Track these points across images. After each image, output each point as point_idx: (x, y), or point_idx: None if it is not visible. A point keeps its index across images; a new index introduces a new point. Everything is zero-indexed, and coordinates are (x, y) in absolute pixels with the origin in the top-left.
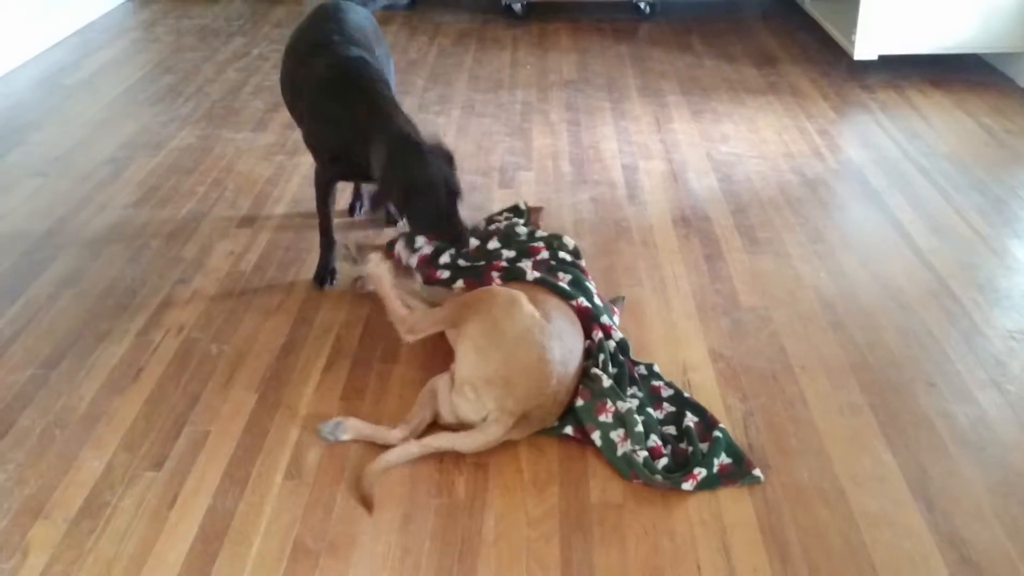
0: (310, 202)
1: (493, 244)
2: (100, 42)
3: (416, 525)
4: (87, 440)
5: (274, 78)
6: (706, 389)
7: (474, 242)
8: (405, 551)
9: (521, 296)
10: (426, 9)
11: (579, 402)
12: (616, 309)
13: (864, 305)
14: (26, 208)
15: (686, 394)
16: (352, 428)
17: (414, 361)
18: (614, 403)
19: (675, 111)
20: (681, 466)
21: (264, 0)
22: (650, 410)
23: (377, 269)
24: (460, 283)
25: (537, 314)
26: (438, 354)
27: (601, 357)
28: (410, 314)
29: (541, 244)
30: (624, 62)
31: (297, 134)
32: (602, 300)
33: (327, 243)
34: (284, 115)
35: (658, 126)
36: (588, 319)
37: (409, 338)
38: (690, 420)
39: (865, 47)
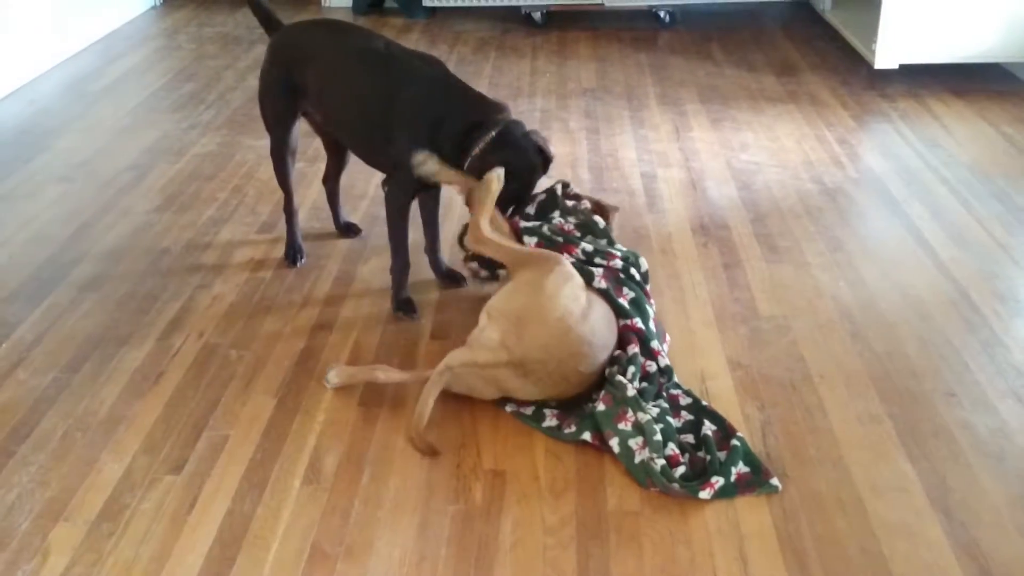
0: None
1: (571, 227)
2: (123, 49)
3: (433, 531)
4: (108, 443)
5: None
6: (724, 398)
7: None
8: (422, 557)
9: (578, 277)
10: (446, 18)
11: (600, 407)
12: (667, 337)
13: (884, 315)
14: (50, 213)
15: (704, 402)
16: (340, 373)
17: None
18: (635, 413)
19: (694, 119)
20: (699, 474)
21: (286, 7)
22: (670, 419)
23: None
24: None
25: (582, 296)
26: None
27: (631, 370)
28: (488, 230)
29: (618, 254)
30: (643, 70)
31: (317, 141)
32: (656, 326)
33: (403, 266)
34: (303, 122)
35: (677, 134)
36: (640, 341)
37: (474, 246)
38: (708, 428)
39: (885, 56)
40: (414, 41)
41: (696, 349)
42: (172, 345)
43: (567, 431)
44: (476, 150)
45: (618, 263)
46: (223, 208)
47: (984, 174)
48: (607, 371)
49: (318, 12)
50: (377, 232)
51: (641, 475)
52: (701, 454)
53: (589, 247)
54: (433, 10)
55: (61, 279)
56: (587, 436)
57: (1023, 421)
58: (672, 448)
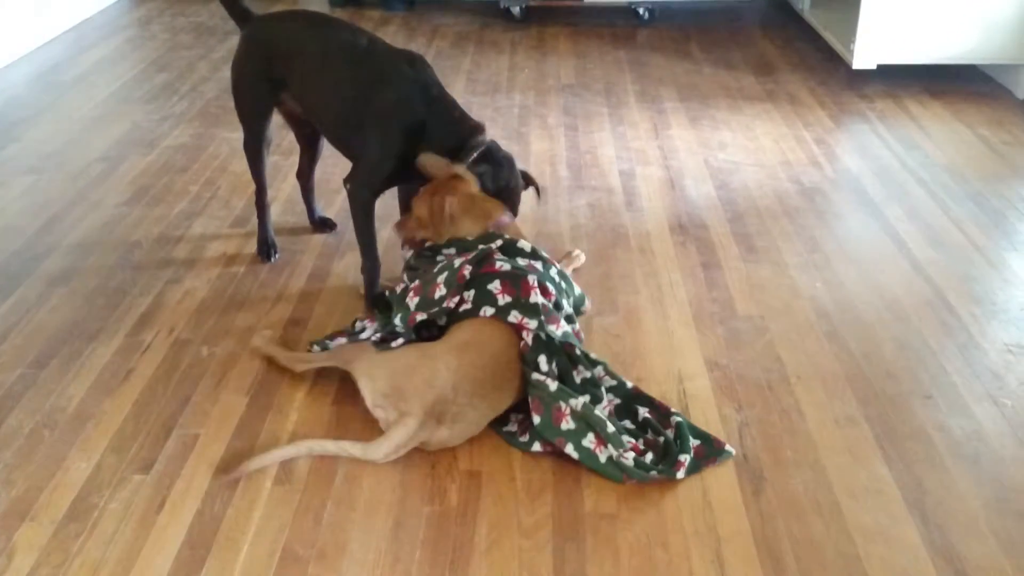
0: (304, 203)
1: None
2: (95, 39)
3: (407, 533)
4: (75, 441)
5: None
6: (702, 398)
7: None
8: (395, 559)
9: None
10: (424, 11)
11: (536, 419)
12: (587, 303)
13: (861, 316)
14: (18, 205)
15: (628, 384)
16: (265, 346)
17: None
18: (567, 403)
19: (673, 117)
20: (662, 456)
21: None
22: (600, 410)
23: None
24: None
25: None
26: None
27: (542, 359)
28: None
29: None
30: (622, 67)
31: (292, 133)
32: (560, 290)
33: (373, 265)
34: (278, 115)
35: (656, 132)
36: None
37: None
38: (643, 412)
39: (864, 56)
40: (392, 34)
41: (674, 349)
42: (142, 341)
43: (521, 439)
44: (464, 164)
45: (479, 249)
46: (195, 201)
47: (960, 176)
48: (524, 372)
49: (294, 4)
50: (352, 227)
51: (615, 472)
52: (651, 436)
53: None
54: (412, 3)
55: (29, 273)
56: (537, 446)
57: (999, 424)
58: (628, 439)
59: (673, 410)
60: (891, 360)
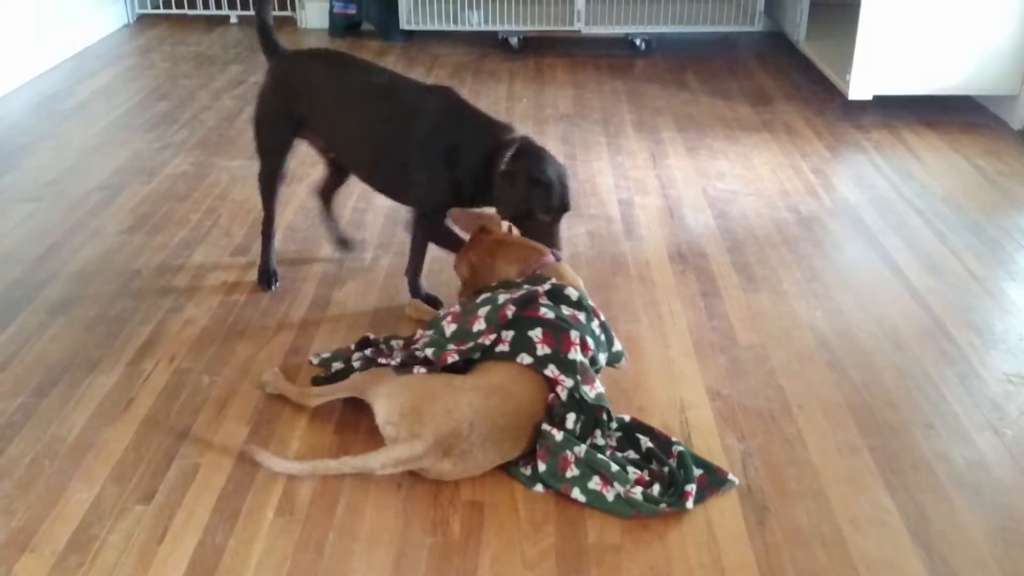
0: (305, 230)
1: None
2: (95, 68)
3: (409, 564)
4: (76, 471)
5: None
6: (704, 428)
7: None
8: None
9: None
10: (423, 41)
11: (541, 467)
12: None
13: (861, 345)
14: (18, 233)
15: (627, 418)
16: (275, 382)
17: None
18: (571, 451)
19: (671, 147)
20: (668, 488)
21: None
22: (601, 452)
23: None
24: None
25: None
26: None
27: (570, 417)
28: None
29: (526, 286)
30: (620, 97)
31: (292, 162)
32: (595, 345)
33: (416, 268)
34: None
35: (654, 161)
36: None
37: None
38: (645, 441)
39: (860, 87)
40: (391, 64)
41: (675, 378)
42: (143, 370)
43: (523, 471)
44: (502, 166)
45: (526, 290)
46: (196, 230)
47: (957, 206)
48: (542, 425)
49: (293, 33)
50: (353, 255)
51: (623, 509)
52: (655, 467)
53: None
54: (410, 33)
55: (29, 301)
56: (539, 487)
57: (1000, 454)
58: (633, 471)
59: (674, 439)
60: (892, 389)
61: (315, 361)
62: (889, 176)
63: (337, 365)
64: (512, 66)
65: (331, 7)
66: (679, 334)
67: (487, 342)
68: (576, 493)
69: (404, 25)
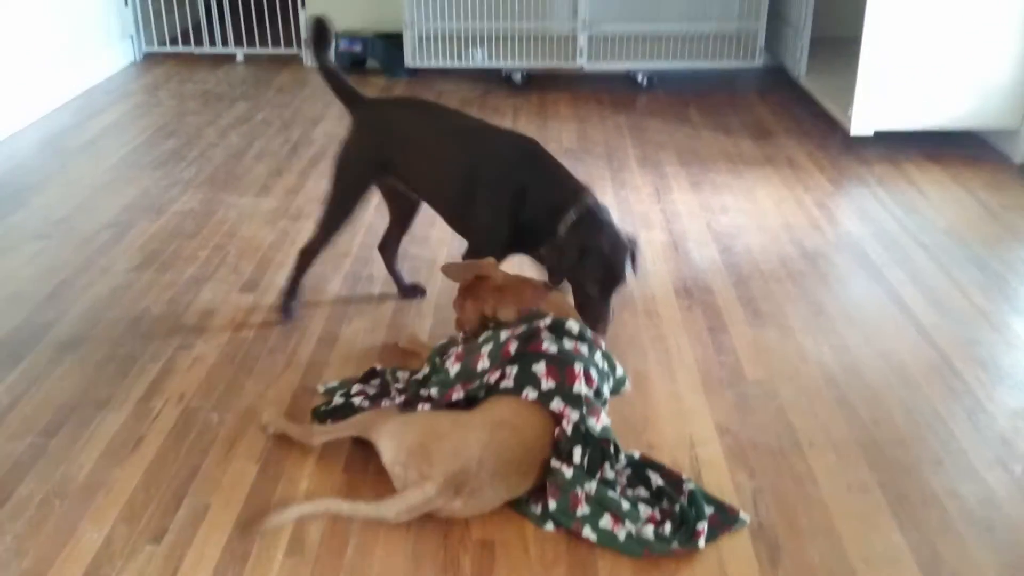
0: (313, 267)
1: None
2: (103, 105)
3: None
4: (86, 511)
5: (277, 143)
6: (715, 465)
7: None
8: None
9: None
10: (427, 78)
11: (552, 504)
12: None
13: (868, 381)
14: (27, 271)
15: (636, 455)
16: (276, 422)
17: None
18: (582, 488)
19: (674, 181)
20: (679, 526)
21: (267, 66)
22: (611, 490)
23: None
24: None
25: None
26: None
27: (577, 451)
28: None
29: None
30: (623, 132)
31: (300, 199)
32: (599, 374)
33: None
34: (287, 180)
35: (658, 196)
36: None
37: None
38: (655, 479)
39: (861, 123)
40: None
41: (684, 414)
42: (152, 408)
43: (533, 509)
44: (560, 231)
45: (526, 326)
46: (204, 266)
47: (961, 239)
48: (551, 462)
49: (300, 71)
50: (360, 293)
51: (635, 548)
52: (666, 505)
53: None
54: (415, 70)
55: (38, 339)
56: (550, 526)
57: (1010, 490)
58: (645, 509)
59: (685, 477)
60: (900, 426)
61: (321, 389)
62: (892, 210)
63: (338, 400)
64: (516, 102)
65: (336, 45)
66: (687, 369)
67: (492, 380)
68: (587, 531)
69: (409, 63)
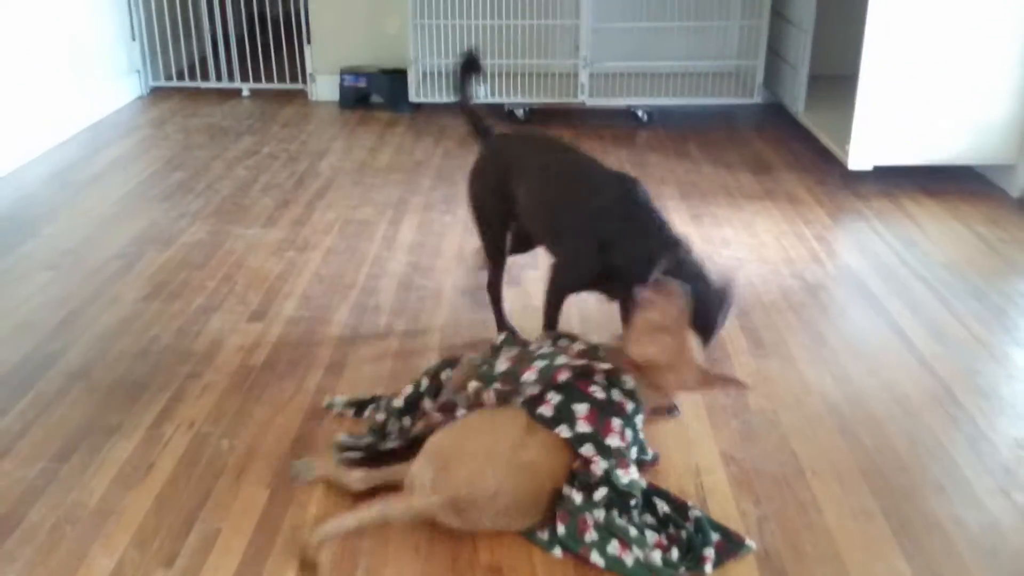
0: (320, 298)
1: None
2: (110, 139)
3: None
4: (97, 537)
5: (283, 175)
6: (720, 492)
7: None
8: None
9: (515, 414)
10: (431, 113)
11: (560, 529)
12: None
13: (870, 410)
14: (36, 301)
15: (643, 483)
16: (318, 468)
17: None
18: (591, 515)
19: (675, 215)
20: (686, 552)
21: (273, 101)
22: (616, 513)
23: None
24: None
25: (516, 430)
26: None
27: (599, 492)
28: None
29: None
30: (624, 167)
31: (307, 230)
32: (622, 437)
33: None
34: (293, 212)
35: None
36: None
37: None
38: (662, 505)
39: (859, 158)
40: (400, 135)
41: (690, 443)
42: (162, 435)
43: (540, 535)
44: (653, 278)
45: (586, 362)
46: (213, 296)
47: (960, 273)
48: (563, 489)
49: (304, 106)
50: (367, 321)
51: (643, 573)
52: (672, 531)
53: (543, 358)
54: (418, 105)
55: (48, 367)
56: (558, 551)
57: (1013, 518)
58: (653, 535)
59: (691, 504)
60: (903, 454)
61: (327, 403)
62: (891, 243)
63: (367, 439)
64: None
65: (341, 80)
66: (691, 399)
67: (530, 395)
68: (595, 557)
69: (413, 98)
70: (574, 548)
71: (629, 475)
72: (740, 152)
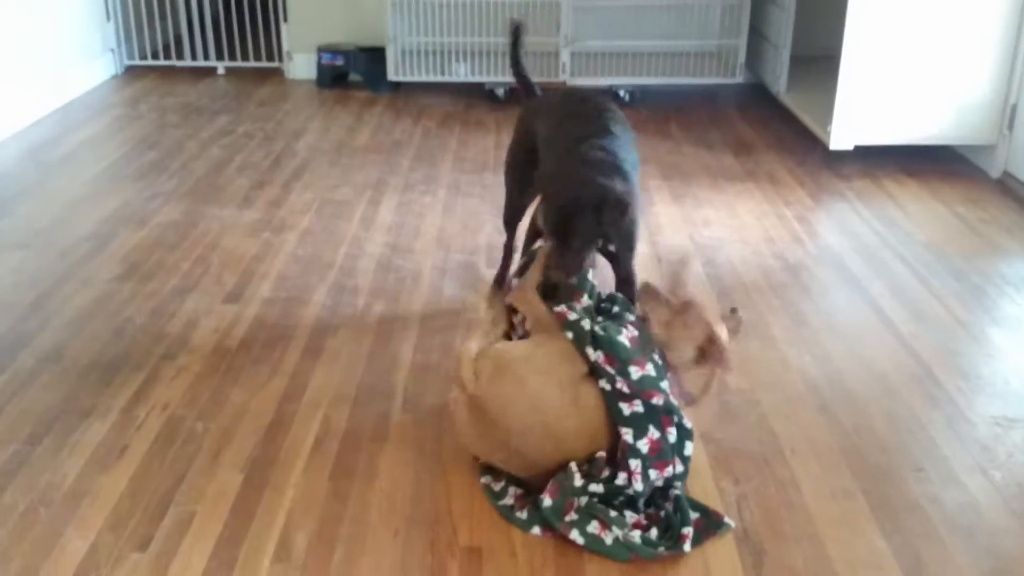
0: (296, 279)
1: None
2: (84, 118)
3: None
4: (71, 519)
5: (259, 155)
6: (699, 471)
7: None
8: None
9: (578, 364)
10: (410, 92)
11: (546, 501)
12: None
13: (850, 389)
14: (8, 281)
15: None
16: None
17: (404, 440)
18: (578, 499)
19: (657, 195)
20: (665, 531)
21: (249, 79)
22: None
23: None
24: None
25: (570, 383)
26: (429, 435)
27: (599, 484)
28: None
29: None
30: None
31: (283, 211)
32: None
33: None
34: (269, 192)
35: (641, 209)
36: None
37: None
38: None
39: (841, 137)
40: (379, 115)
41: None
42: (136, 417)
43: (519, 515)
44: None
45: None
46: (187, 278)
47: (940, 252)
48: (570, 464)
49: (281, 84)
50: (345, 302)
51: (622, 552)
52: (652, 511)
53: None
54: (397, 84)
55: (20, 349)
56: (537, 530)
57: (991, 496)
58: (631, 515)
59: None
60: (882, 433)
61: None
62: (872, 223)
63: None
64: (498, 116)
65: (319, 59)
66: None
67: (619, 387)
68: (575, 535)
69: (391, 77)
70: (555, 525)
71: (666, 473)
72: (722, 132)
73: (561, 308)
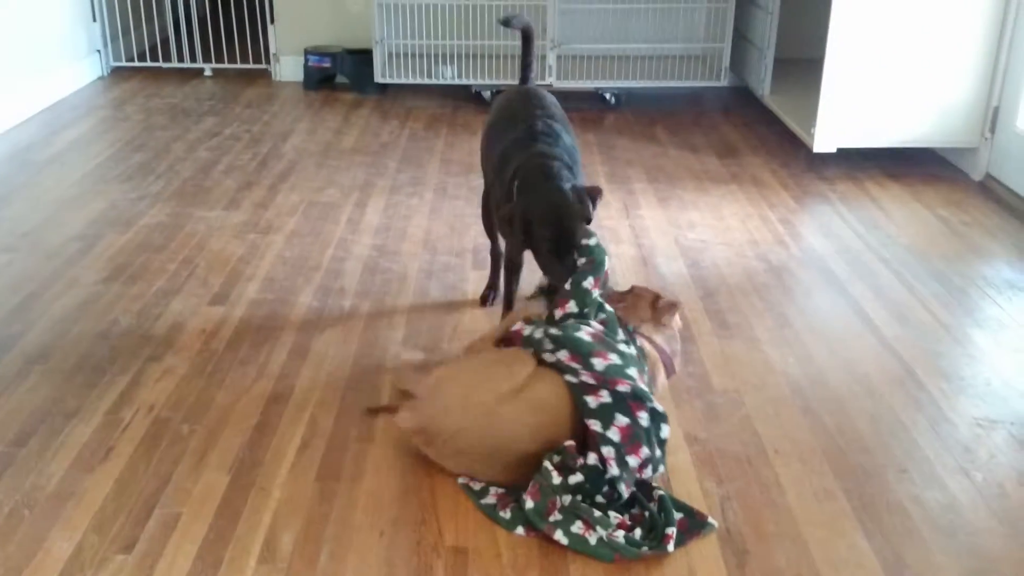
0: (283, 280)
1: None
2: (70, 120)
3: None
4: (56, 521)
5: (245, 157)
6: (683, 472)
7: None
8: None
9: (525, 363)
10: (397, 94)
11: (528, 503)
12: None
13: (833, 391)
14: None
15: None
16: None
17: (390, 441)
18: (560, 498)
19: (642, 198)
20: (649, 531)
21: (236, 81)
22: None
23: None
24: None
25: (517, 379)
26: None
27: (576, 478)
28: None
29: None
30: (592, 149)
31: (270, 213)
32: (624, 434)
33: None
34: (256, 194)
35: (627, 212)
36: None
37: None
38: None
39: (824, 140)
40: (366, 116)
41: None
42: (122, 419)
43: (502, 514)
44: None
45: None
46: (173, 279)
47: (922, 255)
48: (545, 456)
49: (268, 86)
50: (332, 304)
51: (606, 552)
52: (636, 511)
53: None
54: (384, 86)
55: (6, 350)
56: (521, 530)
57: (972, 497)
58: (615, 516)
59: (654, 483)
60: (865, 434)
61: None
62: (855, 226)
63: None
64: (485, 118)
65: (306, 61)
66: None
67: (585, 380)
68: (559, 535)
69: (378, 79)
70: (539, 526)
71: (630, 489)
72: (707, 135)
73: (518, 326)
